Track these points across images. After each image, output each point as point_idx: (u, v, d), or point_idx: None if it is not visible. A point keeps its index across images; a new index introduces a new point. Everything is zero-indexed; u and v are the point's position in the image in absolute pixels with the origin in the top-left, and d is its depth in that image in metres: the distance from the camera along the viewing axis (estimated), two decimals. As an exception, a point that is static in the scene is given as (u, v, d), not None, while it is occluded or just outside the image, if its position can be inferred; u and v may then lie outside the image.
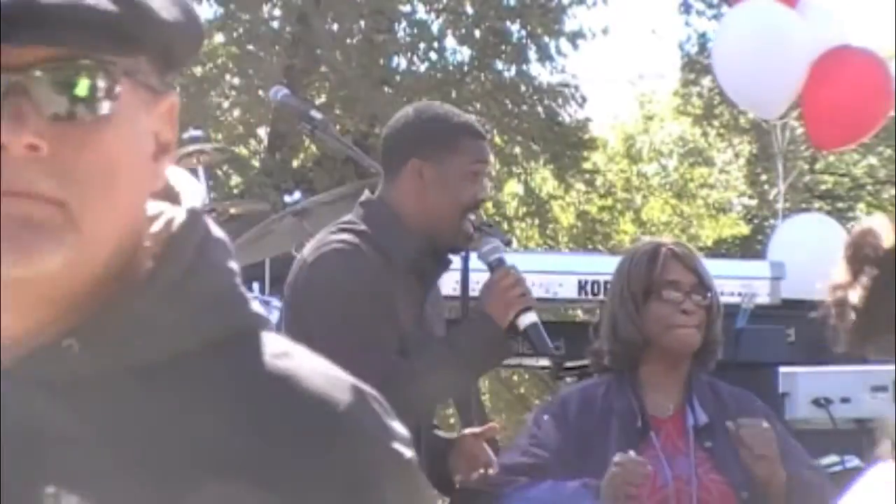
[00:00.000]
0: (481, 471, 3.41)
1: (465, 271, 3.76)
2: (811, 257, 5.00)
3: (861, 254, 1.41)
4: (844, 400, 4.82)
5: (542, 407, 3.81)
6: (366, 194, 3.59)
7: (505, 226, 13.91)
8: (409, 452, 1.04)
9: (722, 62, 6.15)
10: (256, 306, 1.06)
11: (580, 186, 16.05)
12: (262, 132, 13.30)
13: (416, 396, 3.29)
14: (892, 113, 6.37)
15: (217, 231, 1.05)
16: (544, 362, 5.53)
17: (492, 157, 3.66)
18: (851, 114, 5.84)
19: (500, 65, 13.06)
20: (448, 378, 3.40)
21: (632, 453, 3.31)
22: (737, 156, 17.83)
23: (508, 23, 13.08)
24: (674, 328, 3.52)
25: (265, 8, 13.06)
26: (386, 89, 12.71)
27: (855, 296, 1.41)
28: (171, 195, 1.06)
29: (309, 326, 3.35)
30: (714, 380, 3.66)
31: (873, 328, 1.39)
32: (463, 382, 3.56)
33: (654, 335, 3.51)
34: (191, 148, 5.45)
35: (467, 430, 3.47)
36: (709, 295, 3.58)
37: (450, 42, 13.20)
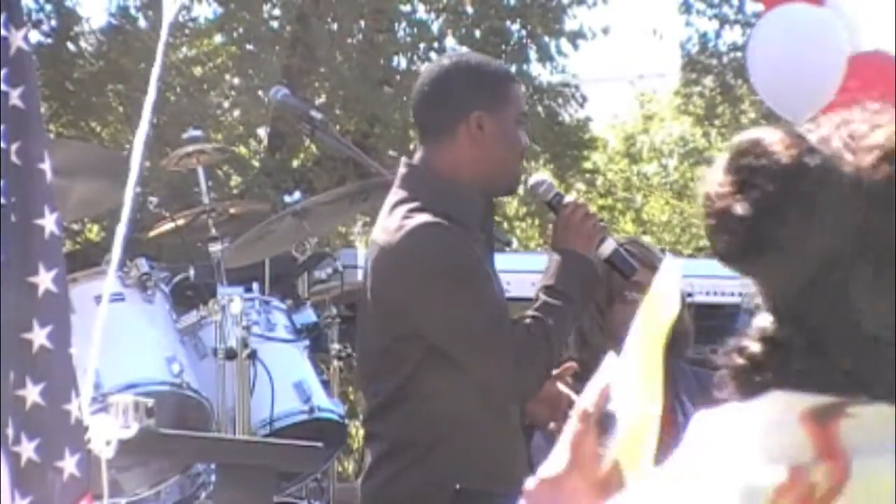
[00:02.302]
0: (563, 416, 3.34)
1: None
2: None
3: (754, 164, 1.32)
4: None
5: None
6: (405, 167, 3.47)
7: (505, 226, 13.89)
8: None
9: (758, 67, 6.15)
10: None
11: (580, 186, 16.04)
12: (262, 132, 13.28)
13: (553, 354, 3.27)
14: None
15: None
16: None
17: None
18: None
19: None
20: (568, 326, 3.38)
21: None
22: (738, 155, 17.80)
23: (508, 22, 13.07)
24: None
25: (265, 8, 13.04)
26: (386, 89, 12.69)
27: (740, 208, 1.32)
28: None
29: (419, 316, 3.29)
30: (699, 370, 3.65)
31: (755, 247, 1.32)
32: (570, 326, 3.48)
33: (623, 337, 3.50)
34: (190, 148, 5.45)
35: None
36: None
37: (450, 42, 13.18)
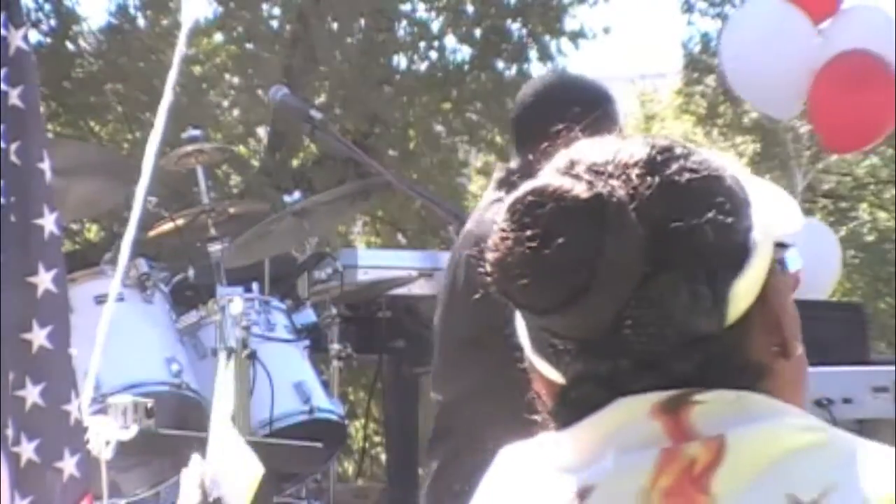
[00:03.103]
0: None
1: None
2: (808, 260, 4.99)
3: (552, 209, 1.34)
4: (846, 400, 4.81)
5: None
6: (502, 171, 3.61)
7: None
8: None
9: (730, 61, 6.14)
10: None
11: (580, 186, 16.02)
12: (262, 132, 13.28)
13: None
14: None
15: None
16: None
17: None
18: (860, 117, 5.83)
19: (500, 64, 13.04)
20: None
21: None
22: (740, 156, 17.81)
23: (509, 22, 13.06)
24: None
25: (265, 7, 13.04)
26: (386, 89, 12.69)
27: (552, 254, 1.33)
28: None
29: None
30: None
31: (574, 292, 1.33)
32: None
33: None
34: (190, 148, 5.44)
35: None
36: None
37: (450, 41, 13.19)
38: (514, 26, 13.07)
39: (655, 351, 1.33)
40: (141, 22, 12.50)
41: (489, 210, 3.50)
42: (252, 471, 1.60)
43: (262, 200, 8.08)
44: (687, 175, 1.36)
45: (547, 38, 13.05)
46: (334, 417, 5.09)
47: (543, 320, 1.35)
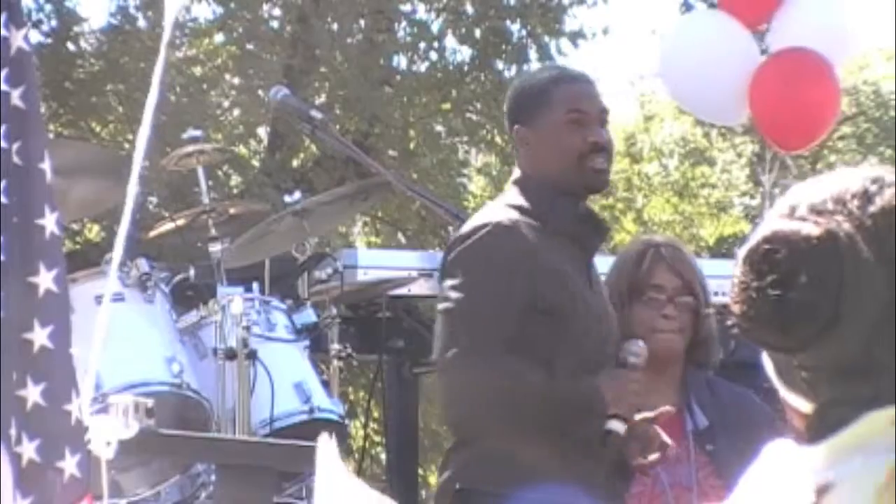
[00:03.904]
0: (656, 454, 3.32)
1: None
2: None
3: (790, 253, 1.45)
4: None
5: None
6: (515, 171, 3.66)
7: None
8: None
9: (669, 75, 6.16)
10: None
11: (580, 186, 16.02)
12: (262, 132, 13.28)
13: (498, 392, 3.28)
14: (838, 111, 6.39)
15: None
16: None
17: (594, 98, 3.61)
18: (801, 114, 5.82)
19: (500, 65, 13.03)
20: (533, 407, 3.34)
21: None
22: (739, 156, 17.81)
23: (508, 22, 13.06)
24: (655, 332, 3.51)
25: (265, 8, 13.04)
26: (386, 89, 12.69)
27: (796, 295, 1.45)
28: None
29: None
30: (714, 378, 3.65)
31: (825, 325, 1.45)
32: (554, 426, 3.37)
33: (639, 337, 3.51)
34: (190, 148, 5.45)
35: (640, 416, 3.37)
36: (695, 297, 3.55)
37: (450, 42, 13.18)
38: (514, 27, 13.07)
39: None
40: (141, 22, 12.49)
41: (479, 225, 3.50)
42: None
43: (263, 200, 8.08)
44: None
45: (546, 38, 13.05)
46: (334, 417, 5.09)
47: (798, 358, 1.45)
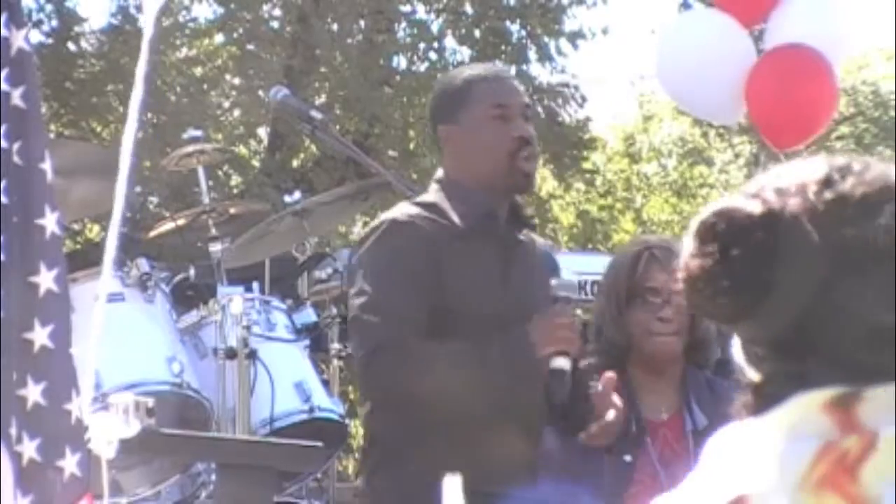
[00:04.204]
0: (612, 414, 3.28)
1: None
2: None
3: (730, 227, 1.51)
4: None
5: None
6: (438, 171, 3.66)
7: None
8: None
9: (666, 75, 6.17)
10: None
11: (580, 186, 16.04)
12: (262, 132, 13.29)
13: (422, 377, 3.26)
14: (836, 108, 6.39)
15: None
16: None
17: (516, 93, 3.60)
18: (797, 111, 5.82)
19: (499, 65, 13.05)
20: (467, 377, 3.28)
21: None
22: (737, 156, 17.83)
23: (508, 22, 13.07)
24: (652, 335, 3.52)
25: (265, 8, 13.05)
26: (386, 89, 12.70)
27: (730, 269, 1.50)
28: None
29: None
30: (714, 378, 3.65)
31: (755, 297, 1.49)
32: (492, 391, 3.30)
33: (636, 339, 3.51)
34: (191, 148, 5.45)
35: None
36: None
37: (450, 42, 13.20)
38: (514, 27, 13.09)
39: (841, 348, 1.45)
40: (142, 23, 12.50)
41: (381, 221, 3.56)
42: None
43: (263, 200, 8.09)
44: (861, 189, 1.50)
45: (546, 38, 13.07)
46: (335, 417, 5.09)
47: (734, 328, 1.52)
